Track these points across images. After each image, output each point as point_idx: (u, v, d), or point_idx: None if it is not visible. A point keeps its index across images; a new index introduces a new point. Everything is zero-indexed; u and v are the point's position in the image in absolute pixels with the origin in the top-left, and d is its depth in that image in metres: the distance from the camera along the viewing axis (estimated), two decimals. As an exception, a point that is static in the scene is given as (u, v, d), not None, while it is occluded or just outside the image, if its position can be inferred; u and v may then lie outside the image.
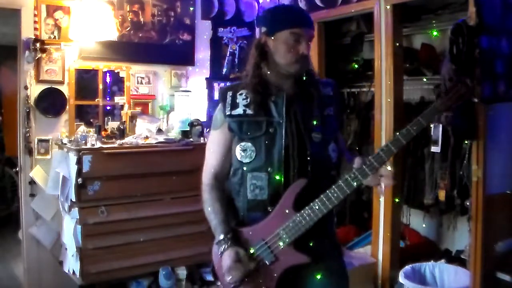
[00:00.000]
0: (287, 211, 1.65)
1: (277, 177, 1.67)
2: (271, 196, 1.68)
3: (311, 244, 1.68)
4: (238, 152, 1.71)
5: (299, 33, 1.67)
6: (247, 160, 1.70)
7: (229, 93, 1.76)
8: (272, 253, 1.66)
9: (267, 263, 1.67)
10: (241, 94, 1.74)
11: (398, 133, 1.60)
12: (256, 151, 1.69)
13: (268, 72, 1.74)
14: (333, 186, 1.62)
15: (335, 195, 1.61)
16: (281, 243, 1.65)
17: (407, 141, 1.60)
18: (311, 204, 1.63)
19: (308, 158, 1.68)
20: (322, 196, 1.62)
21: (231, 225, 1.75)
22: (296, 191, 1.65)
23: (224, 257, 1.67)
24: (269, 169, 1.68)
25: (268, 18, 1.78)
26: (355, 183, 1.61)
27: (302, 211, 1.63)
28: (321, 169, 1.70)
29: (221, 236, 1.71)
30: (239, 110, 1.72)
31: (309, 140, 1.69)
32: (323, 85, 1.82)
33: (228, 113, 1.73)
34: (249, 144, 1.70)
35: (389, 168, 1.64)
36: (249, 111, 1.71)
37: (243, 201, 1.73)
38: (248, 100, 1.72)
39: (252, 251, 1.69)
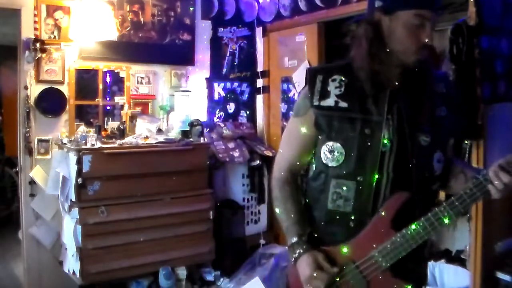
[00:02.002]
0: (383, 230, 1.38)
1: (367, 188, 1.39)
2: (357, 209, 1.41)
3: (408, 269, 1.41)
4: (323, 152, 1.44)
5: (426, 16, 1.34)
6: (334, 164, 1.42)
7: (319, 77, 1.45)
8: (365, 279, 1.39)
9: None
10: (334, 80, 1.44)
11: None
12: (346, 155, 1.41)
13: (373, 58, 1.40)
14: (445, 204, 1.35)
15: (446, 214, 1.33)
16: (377, 268, 1.38)
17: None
18: (416, 223, 1.35)
19: (411, 168, 1.39)
20: (430, 214, 1.34)
21: (306, 226, 1.48)
22: (397, 206, 1.37)
23: (300, 264, 1.41)
24: (359, 178, 1.40)
25: None
26: (471, 202, 1.34)
27: (404, 231, 1.36)
28: (422, 182, 1.42)
29: (295, 239, 1.44)
30: (330, 101, 1.43)
31: (413, 145, 1.40)
32: (437, 79, 1.52)
33: (316, 103, 1.44)
34: (338, 145, 1.41)
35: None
36: (342, 104, 1.42)
37: (322, 210, 1.47)
38: (343, 89, 1.42)
39: (336, 272, 1.41)
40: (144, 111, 4.11)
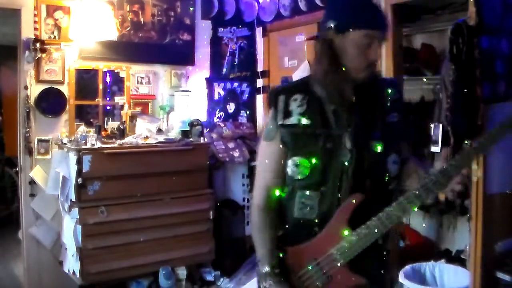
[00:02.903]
0: (340, 229, 1.48)
1: (330, 197, 1.49)
2: (320, 216, 1.51)
3: (365, 265, 1.51)
4: (290, 167, 1.52)
5: (374, 36, 1.45)
6: (299, 177, 1.51)
7: (281, 98, 1.54)
8: (325, 275, 1.50)
9: (319, 285, 1.52)
10: (295, 100, 1.52)
11: (470, 146, 1.46)
12: (310, 169, 1.49)
13: (327, 76, 1.49)
14: (394, 204, 1.45)
15: (396, 214, 1.44)
16: (335, 264, 1.49)
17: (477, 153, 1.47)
18: (369, 222, 1.46)
19: (365, 174, 1.49)
20: (380, 214, 1.45)
21: (277, 238, 1.59)
22: (351, 208, 1.48)
23: None
24: (322, 188, 1.50)
25: (340, 12, 1.49)
26: (418, 202, 1.44)
27: (359, 230, 1.47)
28: (378, 185, 1.52)
29: (267, 269, 1.55)
30: (293, 119, 1.51)
31: (368, 153, 1.49)
32: (387, 86, 1.61)
33: (280, 121, 1.53)
34: (303, 159, 1.50)
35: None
36: (305, 121, 1.50)
37: (290, 217, 1.56)
38: (304, 107, 1.51)
39: (302, 272, 1.54)
40: (144, 111, 4.12)
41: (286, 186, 1.57)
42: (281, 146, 1.54)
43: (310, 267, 1.53)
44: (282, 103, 1.53)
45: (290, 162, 1.53)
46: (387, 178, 1.54)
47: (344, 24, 1.46)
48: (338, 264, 1.49)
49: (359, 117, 1.49)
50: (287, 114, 1.52)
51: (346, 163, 1.48)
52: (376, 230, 1.45)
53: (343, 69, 1.47)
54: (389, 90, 1.59)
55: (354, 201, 1.48)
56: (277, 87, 1.68)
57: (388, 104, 1.57)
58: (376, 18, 1.48)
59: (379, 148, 1.50)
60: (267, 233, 1.59)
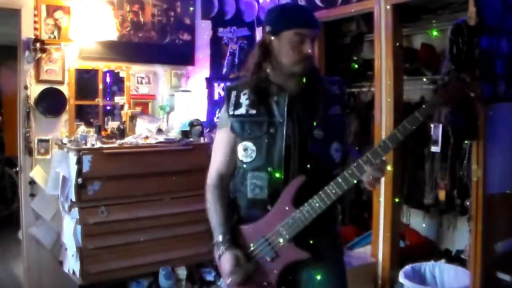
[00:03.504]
0: (286, 208, 1.67)
1: (277, 177, 1.68)
2: (271, 195, 1.69)
3: (311, 241, 1.69)
4: (239, 151, 1.73)
5: (304, 34, 1.66)
6: (248, 160, 1.71)
7: (233, 93, 1.77)
8: (273, 250, 1.69)
9: (268, 260, 1.70)
10: (244, 94, 1.75)
11: (395, 129, 1.63)
12: (257, 151, 1.70)
13: (271, 72, 1.73)
14: (332, 183, 1.64)
15: (333, 191, 1.63)
16: (281, 240, 1.67)
17: (403, 136, 1.62)
18: (310, 200, 1.65)
19: (309, 157, 1.68)
20: (320, 192, 1.64)
21: (230, 224, 1.77)
22: (295, 187, 1.66)
23: (222, 260, 1.70)
24: (269, 168, 1.68)
25: (273, 18, 1.76)
26: (353, 179, 1.63)
27: (301, 208, 1.65)
28: (322, 168, 1.71)
29: (220, 238, 1.73)
30: (241, 110, 1.73)
31: (311, 139, 1.69)
32: (330, 83, 1.81)
33: (231, 112, 1.74)
34: (250, 143, 1.71)
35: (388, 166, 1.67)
36: (251, 111, 1.72)
37: (244, 199, 1.75)
38: (251, 99, 1.72)
39: (252, 248, 1.71)
40: (144, 111, 4.12)
41: (237, 170, 1.76)
42: (231, 133, 1.74)
43: (259, 243, 1.70)
44: (234, 97, 1.76)
45: (239, 147, 1.73)
46: (330, 164, 1.73)
47: (277, 26, 1.70)
48: (284, 240, 1.67)
49: (302, 107, 1.70)
50: (237, 105, 1.74)
51: (290, 146, 1.68)
52: (316, 207, 1.64)
53: (279, 64, 1.69)
54: (332, 86, 1.80)
55: (297, 181, 1.66)
56: (231, 84, 1.92)
57: (330, 98, 1.77)
58: (304, 18, 1.71)
59: (320, 136, 1.69)
60: (217, 206, 1.77)
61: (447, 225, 3.63)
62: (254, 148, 1.70)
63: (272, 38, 1.71)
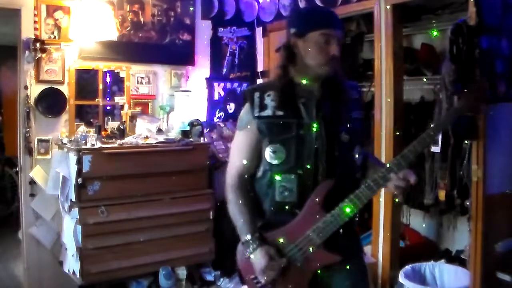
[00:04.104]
0: (316, 212, 1.65)
1: (307, 179, 1.66)
2: (300, 198, 1.67)
3: (339, 244, 1.67)
4: (268, 153, 1.69)
5: (329, 34, 1.66)
6: (277, 162, 1.68)
7: (256, 94, 1.74)
8: (303, 255, 1.66)
9: (299, 265, 1.67)
10: (269, 96, 1.72)
11: (424, 133, 1.63)
12: (286, 153, 1.67)
13: (297, 74, 1.73)
14: (363, 186, 1.64)
15: (365, 194, 1.63)
16: (312, 244, 1.65)
17: (431, 141, 1.68)
18: (341, 204, 1.63)
19: (336, 160, 1.68)
20: (351, 195, 1.63)
21: (257, 224, 1.72)
22: (324, 192, 1.65)
23: (255, 257, 1.66)
24: (299, 171, 1.66)
25: (298, 20, 1.76)
26: (383, 183, 1.63)
27: (333, 211, 1.64)
28: (347, 171, 1.71)
29: (248, 236, 1.68)
30: (268, 112, 1.70)
31: (338, 142, 1.69)
32: (349, 87, 1.81)
33: (257, 114, 1.71)
34: (279, 145, 1.68)
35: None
36: (278, 112, 1.69)
37: (271, 203, 1.71)
38: (277, 101, 1.70)
39: (285, 261, 1.67)
40: (144, 111, 4.12)
41: (264, 174, 1.72)
42: (256, 134, 1.71)
43: (289, 249, 1.66)
44: (258, 99, 1.72)
45: (268, 149, 1.69)
46: (354, 167, 1.74)
47: (302, 28, 1.69)
48: (315, 244, 1.64)
49: (327, 110, 1.70)
50: (263, 107, 1.71)
51: (319, 148, 1.66)
52: (348, 210, 1.63)
53: (305, 67, 1.69)
54: (353, 91, 1.81)
55: (326, 185, 1.65)
56: (252, 86, 1.89)
57: (352, 102, 1.78)
58: (329, 19, 1.71)
59: (346, 139, 1.70)
60: (241, 205, 1.72)
61: (447, 225, 3.63)
62: (283, 150, 1.67)
63: (297, 40, 1.70)
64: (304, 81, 1.72)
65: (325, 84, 1.72)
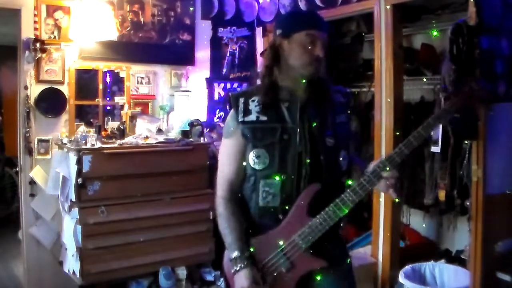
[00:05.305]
0: (301, 217, 1.64)
1: (290, 184, 1.65)
2: (283, 203, 1.66)
3: (324, 249, 1.67)
4: (251, 158, 1.68)
5: (314, 35, 1.66)
6: (260, 167, 1.67)
7: (241, 100, 1.72)
8: (289, 260, 1.65)
9: (284, 271, 1.66)
10: (253, 101, 1.71)
11: (410, 136, 1.63)
12: (270, 158, 1.66)
13: (280, 76, 1.71)
14: (348, 190, 1.63)
15: (350, 198, 1.62)
16: (298, 249, 1.64)
17: (419, 143, 1.64)
18: (326, 208, 1.62)
19: (320, 165, 1.66)
20: (337, 200, 1.62)
21: (246, 239, 1.70)
22: (310, 196, 1.64)
23: (239, 276, 1.63)
24: (282, 176, 1.66)
25: (284, 21, 1.78)
26: (369, 186, 1.62)
27: (318, 216, 1.63)
28: (332, 176, 1.70)
29: (238, 254, 1.65)
30: (252, 117, 1.69)
31: (323, 146, 1.68)
32: (335, 92, 1.81)
33: (241, 119, 1.70)
34: (263, 150, 1.67)
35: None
36: (262, 118, 1.69)
37: (255, 207, 1.70)
38: (261, 106, 1.69)
39: (267, 260, 1.67)
40: (144, 111, 4.12)
41: (248, 178, 1.71)
42: (242, 140, 1.70)
43: (274, 255, 1.66)
44: (242, 104, 1.71)
45: (251, 154, 1.68)
46: (339, 171, 1.72)
47: (288, 29, 1.69)
48: (301, 249, 1.64)
49: (312, 114, 1.69)
50: (247, 112, 1.70)
51: (302, 153, 1.65)
52: (333, 215, 1.62)
53: (289, 68, 1.68)
54: (338, 95, 1.81)
55: (312, 189, 1.64)
56: (237, 91, 1.92)
57: (337, 106, 1.77)
58: (315, 20, 1.71)
59: (331, 143, 1.69)
60: (232, 220, 1.70)
61: (447, 225, 3.63)
62: (267, 155, 1.66)
63: (283, 41, 1.69)
64: (288, 84, 1.70)
65: (309, 88, 1.71)
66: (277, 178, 1.65)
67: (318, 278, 1.69)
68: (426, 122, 1.63)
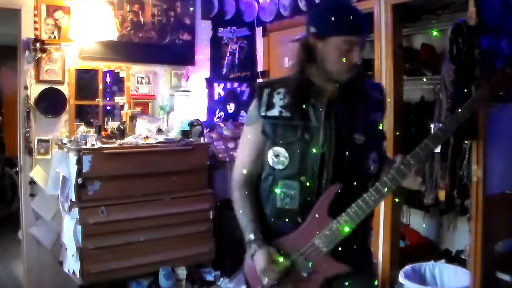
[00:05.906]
0: (322, 218, 1.54)
1: (310, 187, 1.55)
2: (302, 206, 1.56)
3: (347, 253, 1.57)
4: (270, 157, 1.59)
5: (354, 41, 1.50)
6: (280, 167, 1.58)
7: (266, 91, 1.62)
8: (310, 264, 1.56)
9: (305, 275, 1.56)
10: (278, 93, 1.61)
11: (437, 130, 1.53)
12: (290, 158, 1.56)
13: (313, 74, 1.58)
14: (371, 189, 1.52)
15: (373, 198, 1.52)
16: (318, 253, 1.55)
17: (446, 137, 1.56)
18: (348, 209, 1.52)
19: (345, 166, 1.55)
20: (359, 200, 1.52)
21: (259, 222, 1.63)
22: (331, 197, 1.54)
23: (256, 258, 1.56)
24: (302, 178, 1.55)
25: (320, 19, 1.56)
26: (393, 185, 1.51)
27: (339, 218, 1.53)
28: (357, 179, 1.58)
29: (251, 236, 1.58)
30: (274, 111, 1.59)
31: (349, 146, 1.56)
32: (371, 88, 1.68)
33: (263, 113, 1.60)
34: (282, 149, 1.57)
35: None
36: (285, 113, 1.58)
37: (272, 208, 1.62)
38: (286, 100, 1.59)
39: (287, 263, 1.57)
40: (144, 111, 4.12)
41: (266, 177, 1.63)
42: (261, 134, 1.62)
43: (293, 258, 1.57)
44: (266, 96, 1.62)
45: (270, 152, 1.59)
46: (366, 174, 1.60)
47: (324, 30, 1.53)
48: (322, 253, 1.54)
49: (341, 111, 1.57)
50: (270, 106, 1.60)
51: (326, 154, 1.54)
52: (355, 217, 1.52)
53: (320, 69, 1.55)
54: (373, 91, 1.67)
55: (334, 189, 1.53)
56: (264, 81, 1.76)
57: (372, 103, 1.64)
58: (355, 24, 1.52)
59: (360, 141, 1.56)
60: (247, 204, 1.64)
61: (447, 225, 3.63)
62: (286, 155, 1.56)
63: (317, 41, 1.54)
64: (321, 83, 1.57)
65: (343, 87, 1.57)
66: (297, 179, 1.56)
67: (340, 284, 1.59)
68: (456, 112, 1.52)
